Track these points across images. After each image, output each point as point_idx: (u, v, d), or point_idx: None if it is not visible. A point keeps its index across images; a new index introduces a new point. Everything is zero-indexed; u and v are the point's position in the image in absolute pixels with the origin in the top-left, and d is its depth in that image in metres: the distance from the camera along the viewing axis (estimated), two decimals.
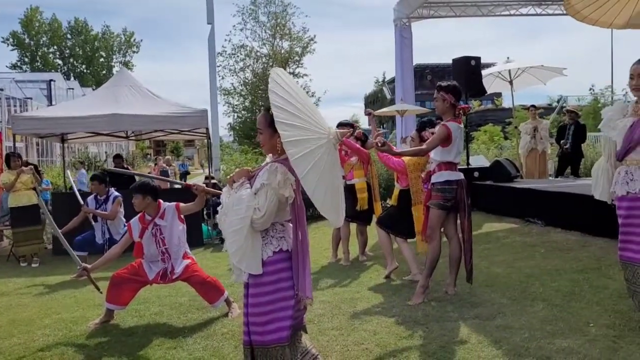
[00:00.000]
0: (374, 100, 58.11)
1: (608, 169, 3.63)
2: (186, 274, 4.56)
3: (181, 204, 4.66)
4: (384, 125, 33.71)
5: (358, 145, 6.08)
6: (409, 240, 5.46)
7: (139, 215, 4.61)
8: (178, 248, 4.61)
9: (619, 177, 3.51)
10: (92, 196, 7.05)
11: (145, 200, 4.51)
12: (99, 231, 6.93)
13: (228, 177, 2.87)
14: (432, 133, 4.74)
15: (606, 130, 3.62)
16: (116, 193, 7.05)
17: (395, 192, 5.57)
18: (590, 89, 25.14)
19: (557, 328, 3.72)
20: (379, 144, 4.28)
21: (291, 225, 2.80)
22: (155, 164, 19.40)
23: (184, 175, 25.86)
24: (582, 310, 4.04)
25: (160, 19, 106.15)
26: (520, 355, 3.33)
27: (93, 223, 7.00)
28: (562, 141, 10.64)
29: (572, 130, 10.56)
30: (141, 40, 59.36)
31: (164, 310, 4.87)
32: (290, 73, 31.08)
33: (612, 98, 24.16)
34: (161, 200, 4.63)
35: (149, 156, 42.89)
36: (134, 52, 57.91)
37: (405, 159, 5.19)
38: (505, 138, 23.48)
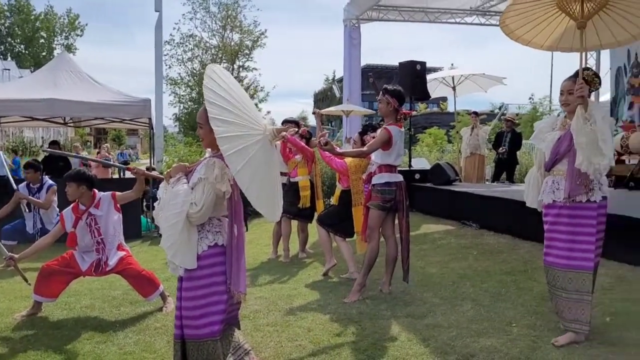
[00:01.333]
0: (323, 98, 58.31)
1: (538, 178, 3.82)
2: (120, 266, 4.47)
3: (117, 193, 4.57)
4: (332, 124, 33.88)
5: (303, 143, 6.13)
6: (347, 239, 5.55)
7: (72, 205, 4.48)
8: (113, 238, 4.51)
9: (546, 186, 3.70)
10: (23, 184, 6.73)
11: (79, 189, 4.39)
12: (30, 221, 6.66)
13: (165, 172, 2.85)
14: (374, 137, 4.83)
15: (536, 142, 3.83)
16: (51, 182, 6.80)
17: (337, 192, 5.65)
18: (530, 98, 26.17)
19: (483, 327, 3.89)
20: (322, 143, 4.34)
21: (227, 220, 2.81)
22: (98, 152, 18.85)
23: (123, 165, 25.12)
24: (507, 310, 4.23)
25: (106, 2, 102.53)
26: (446, 353, 3.46)
27: (25, 212, 6.70)
28: (499, 148, 11.07)
29: (509, 137, 11.02)
30: (86, 24, 57.12)
31: (95, 303, 4.75)
32: (239, 66, 30.89)
33: (550, 107, 25.21)
34: (96, 190, 4.52)
35: (88, 143, 41.42)
36: (77, 35, 55.67)
37: (347, 160, 5.28)
38: (449, 141, 24.10)
